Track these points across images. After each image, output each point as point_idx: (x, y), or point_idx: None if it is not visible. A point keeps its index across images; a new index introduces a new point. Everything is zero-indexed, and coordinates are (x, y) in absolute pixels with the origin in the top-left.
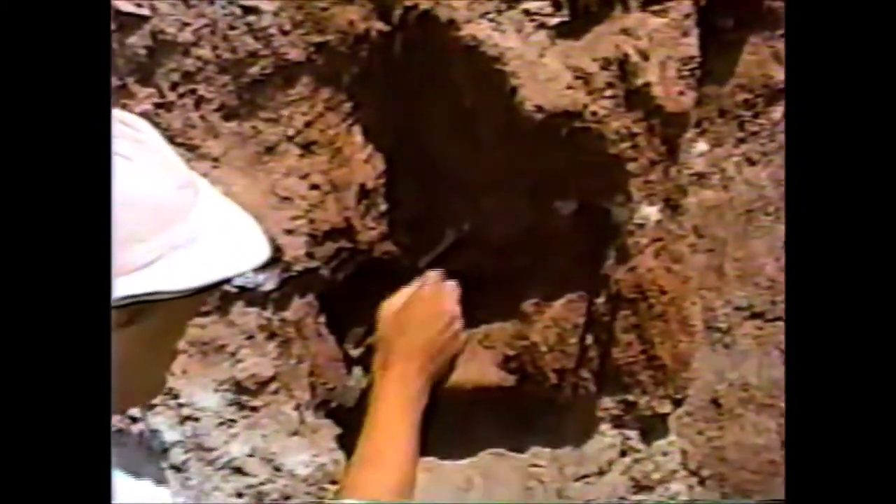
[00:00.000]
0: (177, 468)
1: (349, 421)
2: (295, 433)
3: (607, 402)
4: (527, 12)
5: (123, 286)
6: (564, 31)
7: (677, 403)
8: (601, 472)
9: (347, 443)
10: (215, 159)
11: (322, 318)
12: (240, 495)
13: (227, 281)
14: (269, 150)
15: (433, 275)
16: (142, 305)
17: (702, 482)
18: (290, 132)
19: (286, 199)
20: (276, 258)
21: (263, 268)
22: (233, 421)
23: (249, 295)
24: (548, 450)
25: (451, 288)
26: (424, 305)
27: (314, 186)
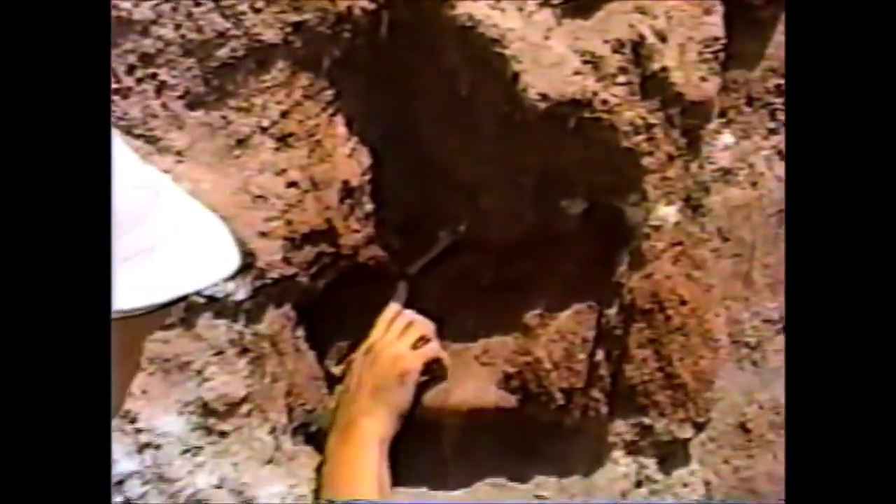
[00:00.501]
0: (133, 503)
1: None
2: (269, 461)
3: (620, 425)
4: None
5: None
6: (572, 10)
7: (699, 428)
8: None
9: None
10: (179, 153)
11: (300, 332)
12: None
13: (192, 295)
14: (241, 142)
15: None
16: None
17: None
18: (265, 123)
19: (260, 198)
20: (248, 264)
21: (234, 275)
22: (199, 448)
23: (218, 305)
24: (554, 479)
25: (422, 329)
26: (384, 361)
27: (291, 184)
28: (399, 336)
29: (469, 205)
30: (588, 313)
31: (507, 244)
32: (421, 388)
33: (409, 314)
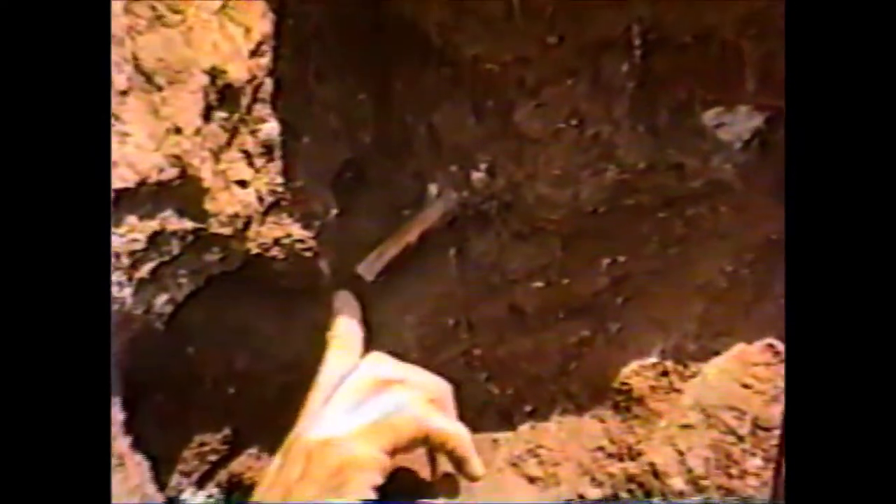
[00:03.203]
0: None
1: None
2: None
3: None
4: None
5: None
6: None
7: None
8: None
9: None
10: None
11: (117, 412)
12: None
13: None
14: None
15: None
16: None
17: None
18: None
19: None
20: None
21: None
22: None
23: None
24: None
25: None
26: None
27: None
28: (351, 411)
29: (490, 127)
30: (765, 361)
31: (576, 213)
32: None
33: (377, 364)
